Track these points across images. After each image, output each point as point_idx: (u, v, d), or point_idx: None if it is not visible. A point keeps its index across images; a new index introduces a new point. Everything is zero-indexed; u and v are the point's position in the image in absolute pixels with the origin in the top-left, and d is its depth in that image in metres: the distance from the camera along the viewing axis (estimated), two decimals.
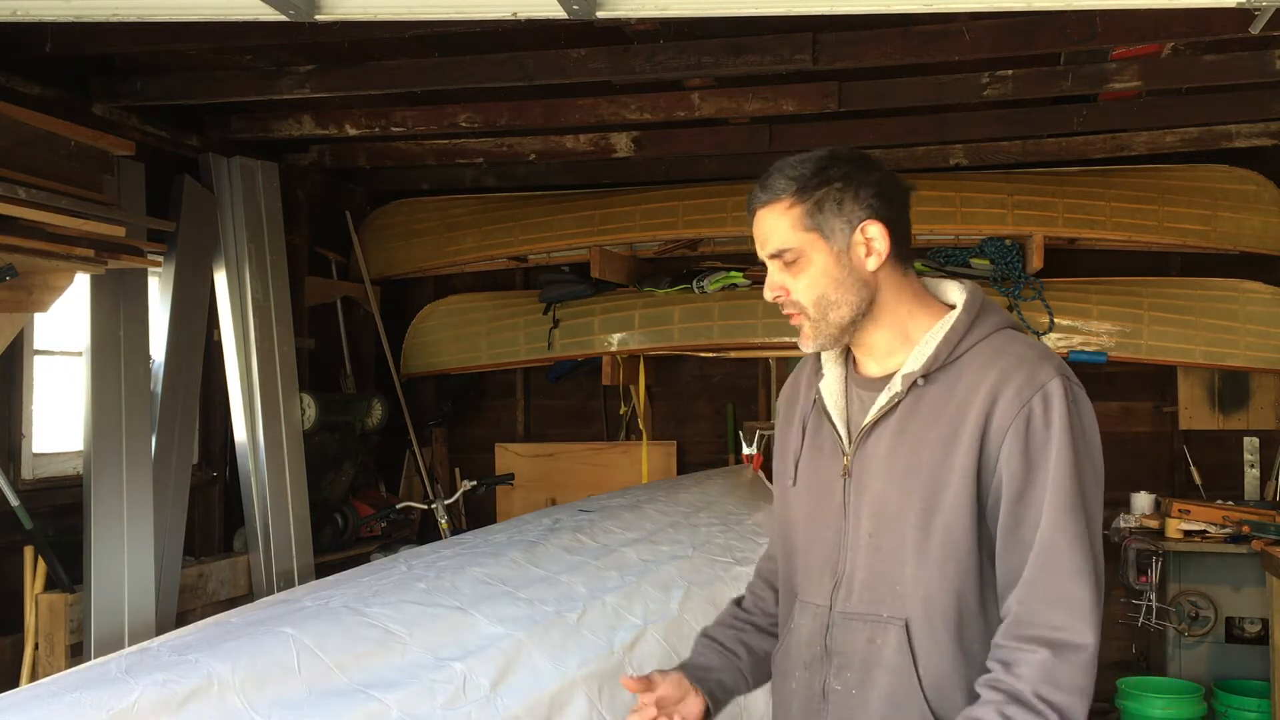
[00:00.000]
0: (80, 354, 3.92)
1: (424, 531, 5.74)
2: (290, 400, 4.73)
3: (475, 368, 6.01)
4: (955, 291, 1.79)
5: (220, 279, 4.54)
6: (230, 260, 4.56)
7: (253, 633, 1.99)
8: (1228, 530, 4.85)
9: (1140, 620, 4.93)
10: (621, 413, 6.12)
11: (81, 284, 3.79)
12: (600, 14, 2.34)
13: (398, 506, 5.06)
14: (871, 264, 1.72)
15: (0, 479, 3.58)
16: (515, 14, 2.34)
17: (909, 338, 1.76)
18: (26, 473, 3.89)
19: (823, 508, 1.81)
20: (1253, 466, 5.42)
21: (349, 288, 5.77)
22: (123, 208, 3.86)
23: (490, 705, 2.03)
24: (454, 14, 2.45)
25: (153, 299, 4.19)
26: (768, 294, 1.79)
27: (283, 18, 2.33)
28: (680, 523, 3.43)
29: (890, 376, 1.75)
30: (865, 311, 1.74)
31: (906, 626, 1.68)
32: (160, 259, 4.28)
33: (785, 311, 1.79)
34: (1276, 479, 5.35)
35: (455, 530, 4.65)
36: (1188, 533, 4.91)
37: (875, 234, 1.71)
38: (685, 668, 1.92)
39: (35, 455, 3.95)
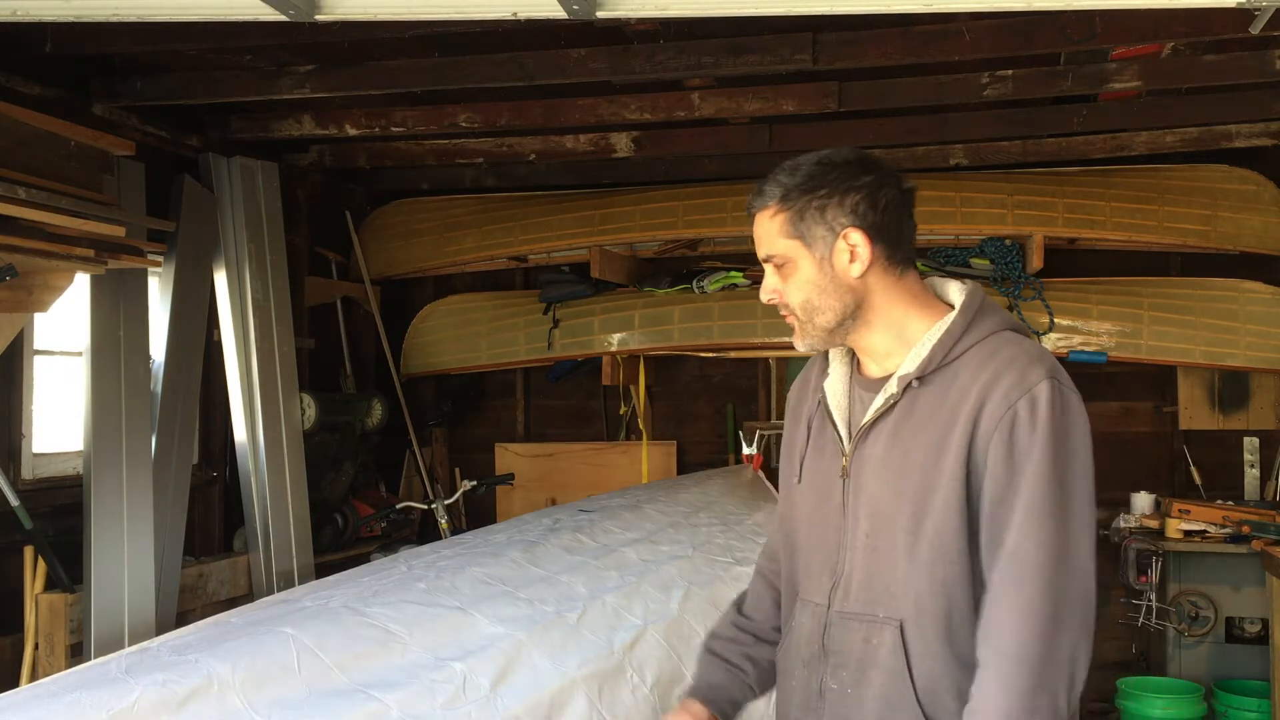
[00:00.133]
0: (80, 354, 3.92)
1: (424, 531, 5.74)
2: (290, 400, 4.73)
3: (475, 368, 6.01)
4: (956, 292, 1.79)
5: (220, 279, 4.54)
6: (230, 260, 4.56)
7: (253, 633, 1.99)
8: (1228, 530, 4.85)
9: (1140, 620, 4.93)
10: (621, 413, 6.12)
11: (81, 284, 3.79)
12: (600, 14, 2.34)
13: (398, 506, 5.06)
14: (855, 270, 1.74)
15: (0, 479, 3.58)
16: (515, 14, 2.34)
17: (907, 339, 1.76)
18: (26, 473, 3.89)
19: (823, 507, 1.83)
20: (1253, 466, 5.42)
21: (349, 288, 5.77)
22: (123, 208, 3.86)
23: (490, 705, 2.03)
24: (454, 14, 2.45)
25: (153, 299, 4.19)
26: (763, 295, 1.83)
27: (283, 18, 2.33)
28: (680, 523, 3.43)
29: (888, 378, 1.76)
30: (853, 315, 1.76)
31: (901, 628, 1.68)
32: (160, 259, 4.28)
33: (780, 312, 1.83)
34: (1276, 479, 5.35)
35: (455, 530, 4.65)
36: (1188, 533, 4.91)
37: (857, 241, 1.73)
38: (696, 691, 1.96)
39: (35, 455, 3.95)
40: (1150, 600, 4.88)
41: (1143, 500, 5.22)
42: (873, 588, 1.72)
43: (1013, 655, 1.58)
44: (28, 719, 1.64)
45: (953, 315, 1.74)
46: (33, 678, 3.57)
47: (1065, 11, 3.38)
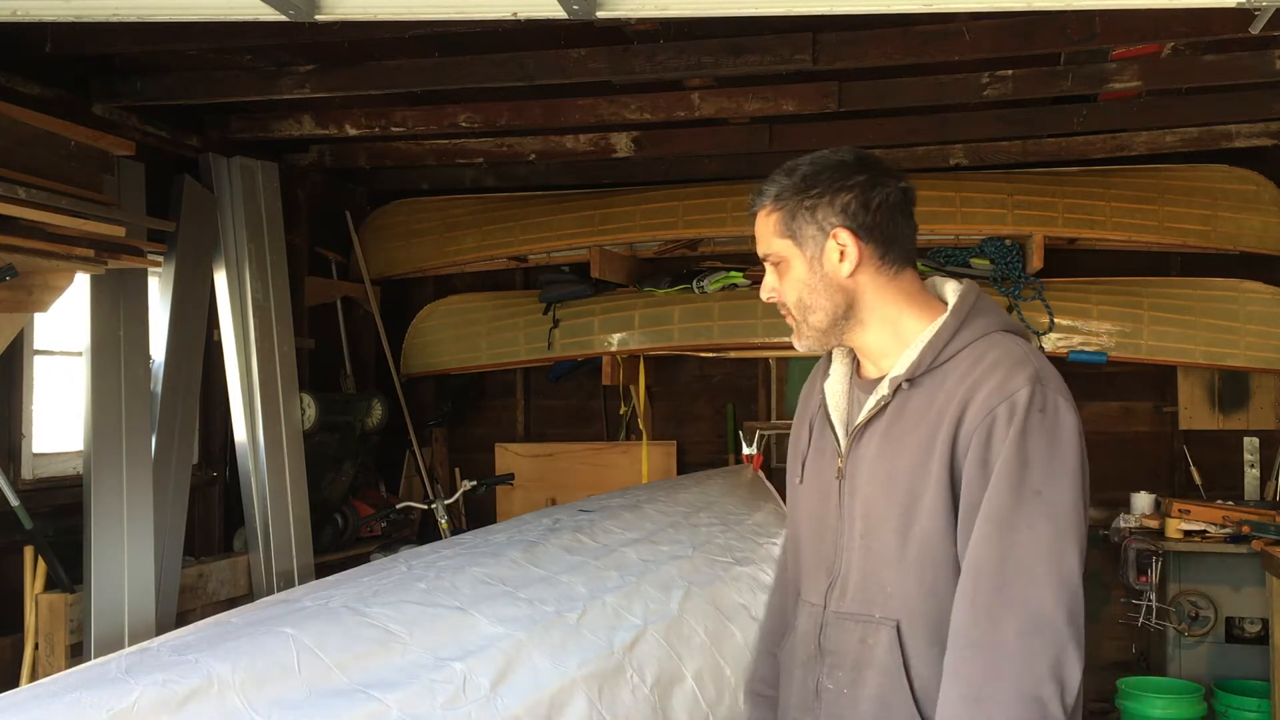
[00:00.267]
0: (80, 354, 3.92)
1: (424, 531, 5.74)
2: (290, 400, 4.73)
3: (475, 368, 6.01)
4: (951, 292, 1.79)
5: (220, 279, 4.54)
6: (230, 260, 4.56)
7: (253, 633, 1.99)
8: (1228, 530, 4.85)
9: (1140, 620, 4.93)
10: (621, 413, 6.12)
11: (81, 284, 3.79)
12: (600, 14, 2.34)
13: (398, 506, 5.06)
14: (845, 270, 1.74)
15: (0, 479, 3.58)
16: (515, 14, 2.34)
17: (902, 339, 1.76)
18: (26, 473, 3.89)
19: (822, 508, 1.83)
20: (1253, 466, 5.42)
21: (349, 288, 5.77)
22: (123, 208, 3.86)
23: (490, 705, 2.03)
24: (454, 14, 2.45)
25: (153, 299, 4.19)
26: (762, 294, 1.85)
27: (283, 18, 2.33)
28: (680, 523, 3.43)
29: (883, 379, 1.76)
30: (846, 315, 1.77)
31: (898, 628, 1.68)
32: (160, 259, 4.28)
33: (780, 311, 1.84)
34: (1276, 479, 5.35)
35: (455, 530, 4.65)
36: (1188, 533, 4.91)
37: (846, 241, 1.73)
38: None
39: (35, 455, 3.95)
40: (1150, 600, 4.88)
41: (1143, 500, 5.22)
42: (868, 588, 1.73)
43: (959, 663, 1.58)
44: (28, 719, 1.64)
45: (943, 316, 1.74)
46: (33, 678, 3.57)
47: (1065, 11, 3.38)
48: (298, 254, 5.18)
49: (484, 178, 5.64)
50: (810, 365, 6.28)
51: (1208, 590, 4.93)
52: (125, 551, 3.83)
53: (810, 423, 1.91)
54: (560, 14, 2.33)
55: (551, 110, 4.47)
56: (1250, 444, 5.43)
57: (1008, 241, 5.17)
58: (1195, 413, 5.47)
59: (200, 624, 2.16)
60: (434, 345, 6.01)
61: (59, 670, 2.93)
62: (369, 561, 3.42)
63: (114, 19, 2.42)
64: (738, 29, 3.68)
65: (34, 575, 3.67)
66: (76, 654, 3.66)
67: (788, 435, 5.45)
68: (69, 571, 3.72)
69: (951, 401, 1.66)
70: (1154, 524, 5.09)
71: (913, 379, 1.71)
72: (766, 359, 5.92)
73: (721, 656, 2.71)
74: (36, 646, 3.65)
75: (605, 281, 5.54)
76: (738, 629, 2.86)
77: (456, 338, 5.97)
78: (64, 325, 4.04)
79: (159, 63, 4.08)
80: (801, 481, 1.90)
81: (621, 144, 4.88)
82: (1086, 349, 5.15)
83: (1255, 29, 2.57)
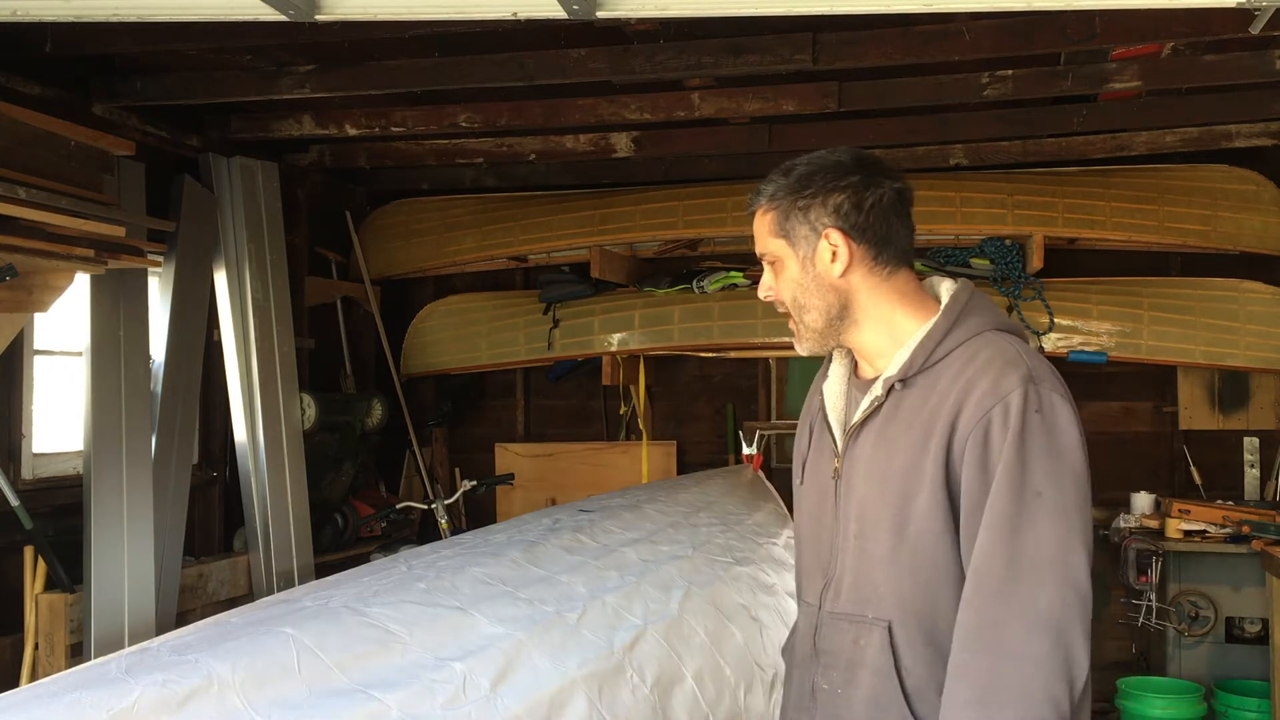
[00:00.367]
0: (80, 354, 3.92)
1: (424, 531, 5.74)
2: (290, 400, 4.73)
3: (475, 368, 6.01)
4: (945, 292, 1.79)
5: (220, 279, 4.54)
6: (230, 260, 4.56)
7: (253, 633, 1.99)
8: (1228, 530, 4.85)
9: (1140, 620, 4.93)
10: (621, 413, 6.12)
11: (81, 284, 3.79)
12: (600, 14, 2.34)
13: (398, 506, 5.06)
14: (836, 270, 1.75)
15: (0, 479, 3.58)
16: (515, 14, 2.34)
17: (897, 339, 1.76)
18: (26, 473, 3.89)
19: (819, 508, 1.84)
20: (1253, 466, 5.42)
21: (349, 288, 5.77)
22: (123, 208, 3.86)
23: (490, 705, 2.03)
24: (454, 14, 2.45)
25: (153, 299, 4.19)
26: (760, 292, 1.86)
27: (283, 18, 2.33)
28: (680, 523, 3.42)
29: (878, 379, 1.76)
30: (840, 315, 1.78)
31: (890, 629, 1.68)
32: (160, 259, 4.28)
33: (779, 311, 1.85)
34: (1276, 479, 5.35)
35: (455, 530, 4.65)
36: (1188, 533, 4.91)
37: (837, 241, 1.74)
38: None
39: (35, 455, 3.95)
40: (1150, 600, 4.88)
41: (1143, 500, 5.22)
42: (861, 588, 1.73)
43: (966, 667, 1.58)
44: (28, 719, 1.64)
45: (936, 316, 1.74)
46: (33, 678, 3.57)
47: (1065, 11, 3.38)
48: (298, 254, 5.18)
49: (484, 178, 5.64)
50: (810, 365, 6.27)
51: (1208, 590, 4.93)
52: (125, 551, 3.83)
53: (810, 424, 1.92)
54: (560, 14, 2.33)
55: (551, 110, 4.47)
56: (1250, 444, 5.43)
57: (1008, 241, 5.17)
58: (1195, 413, 5.47)
59: (200, 624, 2.16)
60: (434, 345, 6.01)
61: (59, 670, 2.93)
62: (369, 561, 3.42)
63: (114, 19, 2.42)
64: (738, 29, 3.69)
65: (34, 575, 3.67)
66: (76, 654, 3.67)
67: (788, 435, 5.47)
68: (69, 571, 3.72)
69: (945, 402, 1.66)
70: (1154, 524, 5.09)
71: (906, 379, 1.72)
72: (766, 359, 5.92)
73: (721, 656, 2.71)
74: (36, 646, 3.65)
75: (605, 281, 5.54)
76: (738, 629, 2.86)
77: (456, 338, 5.97)
78: (64, 325, 4.04)
79: (159, 63, 4.08)
80: (802, 482, 1.91)
81: (621, 144, 4.88)
82: (1086, 349, 5.15)
83: (1255, 29, 2.57)
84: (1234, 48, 3.84)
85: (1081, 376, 5.25)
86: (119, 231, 3.69)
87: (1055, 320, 5.15)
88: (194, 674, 1.79)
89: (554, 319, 5.69)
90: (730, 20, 3.59)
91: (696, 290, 5.42)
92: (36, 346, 3.97)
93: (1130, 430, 5.61)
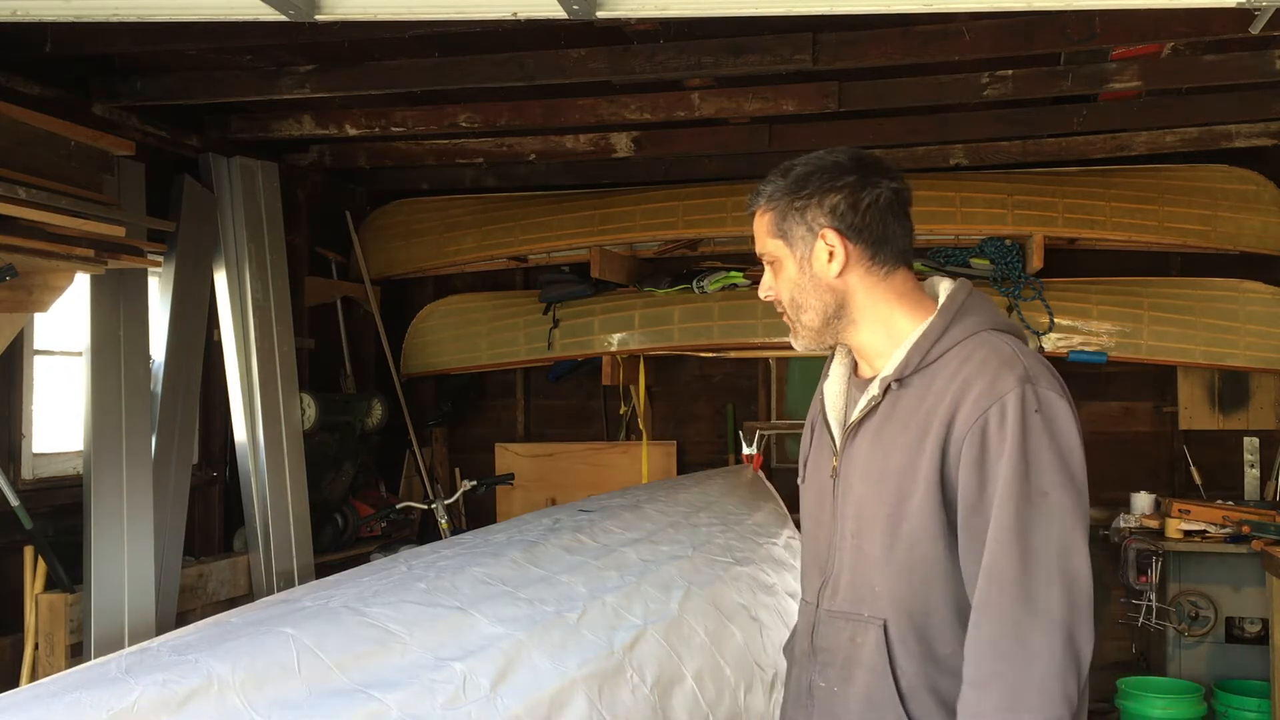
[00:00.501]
0: (80, 354, 3.92)
1: (424, 531, 5.74)
2: (290, 400, 4.73)
3: (475, 368, 6.01)
4: (943, 291, 1.80)
5: (220, 279, 4.54)
6: (230, 260, 4.56)
7: (253, 633, 1.99)
8: (1228, 530, 4.85)
9: (1140, 620, 4.93)
10: (621, 413, 6.12)
11: (81, 284, 3.79)
12: (600, 14, 2.34)
13: (398, 506, 5.06)
14: (833, 270, 1.76)
15: (0, 479, 3.58)
16: (515, 14, 2.34)
17: (895, 339, 1.77)
18: (26, 473, 3.89)
19: (818, 507, 1.86)
20: (1253, 466, 5.42)
21: (349, 288, 5.77)
22: (123, 208, 3.86)
23: (490, 705, 2.03)
24: (454, 14, 2.45)
25: (153, 299, 4.19)
26: (760, 292, 1.88)
27: (283, 18, 2.33)
28: (680, 523, 3.43)
29: (876, 378, 1.77)
30: (838, 315, 1.79)
31: (885, 627, 1.69)
32: (160, 259, 4.28)
33: (777, 310, 1.86)
34: (1276, 479, 5.35)
35: (455, 530, 4.65)
36: (1188, 533, 4.91)
37: (834, 242, 1.75)
38: None
39: (35, 455, 3.95)
40: (1150, 600, 4.88)
41: (1143, 500, 5.22)
42: (858, 587, 1.74)
43: (991, 675, 1.58)
44: (28, 719, 1.64)
45: (932, 316, 1.75)
46: (33, 678, 3.57)
47: (1065, 11, 3.38)
48: (298, 254, 5.18)
49: (484, 178, 5.64)
50: (810, 365, 6.27)
51: (1208, 590, 4.93)
52: (125, 551, 3.83)
53: (812, 422, 1.93)
54: (560, 14, 2.33)
55: (551, 110, 4.47)
56: (1250, 444, 5.43)
57: (1008, 241, 5.17)
58: (1195, 413, 5.47)
59: (200, 624, 2.16)
60: (434, 345, 6.01)
61: (59, 670, 2.93)
62: (369, 561, 3.42)
63: (114, 19, 2.42)
64: (738, 29, 3.68)
65: (34, 575, 3.67)
66: (76, 654, 3.67)
67: (788, 435, 5.48)
68: (69, 571, 3.72)
69: (941, 402, 1.66)
70: (1154, 524, 5.09)
71: (902, 379, 1.72)
72: (766, 359, 5.92)
73: (721, 656, 2.71)
74: (36, 646, 3.65)
75: (605, 281, 5.54)
76: (738, 629, 2.86)
77: (456, 338, 5.97)
78: (64, 325, 4.04)
79: (159, 63, 4.08)
80: (803, 481, 1.92)
81: (621, 144, 4.88)
82: (1086, 349, 5.15)
83: (1255, 29, 2.57)
84: (1234, 48, 3.84)
85: (1081, 376, 5.26)
86: (119, 231, 3.69)
87: (1055, 320, 5.15)
88: (194, 674, 1.79)
89: (554, 319, 5.69)
90: (730, 20, 3.59)
91: (696, 290, 5.42)
92: (36, 346, 3.97)
93: (1130, 430, 5.61)
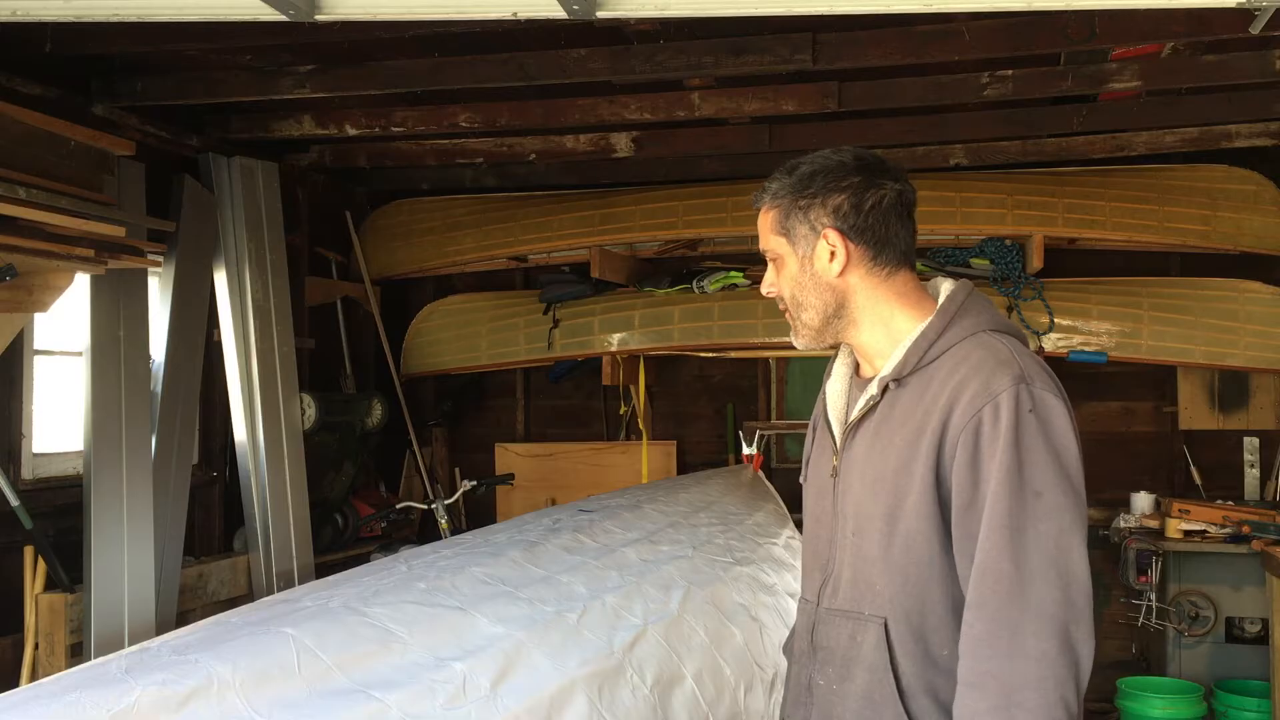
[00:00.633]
0: (80, 354, 3.92)
1: (424, 531, 5.74)
2: (290, 400, 4.73)
3: (475, 368, 6.01)
4: (944, 292, 1.80)
5: (220, 279, 4.54)
6: (230, 260, 4.56)
7: (253, 633, 1.99)
8: (1228, 530, 4.85)
9: (1140, 620, 4.93)
10: (621, 413, 6.12)
11: (81, 284, 3.79)
12: (600, 14, 2.34)
13: (398, 506, 5.06)
14: (834, 269, 1.77)
15: (0, 479, 3.58)
16: (515, 14, 2.34)
17: (895, 339, 1.78)
18: (26, 473, 3.89)
19: (819, 506, 1.86)
20: (1253, 466, 5.42)
21: (349, 288, 5.78)
22: (123, 208, 3.87)
23: (490, 705, 2.03)
24: (454, 14, 2.45)
25: (153, 299, 4.19)
26: (763, 288, 1.89)
27: (283, 18, 2.33)
28: (680, 523, 3.43)
29: (875, 378, 1.78)
30: (838, 314, 1.80)
31: (885, 625, 1.69)
32: (160, 259, 4.28)
33: (779, 308, 1.87)
34: (1276, 479, 5.35)
35: (455, 530, 4.65)
36: (1188, 533, 4.91)
37: (835, 242, 1.76)
38: None
39: (35, 455, 3.95)
40: (1150, 600, 4.88)
41: (1143, 500, 5.22)
42: (858, 585, 1.74)
43: (984, 674, 1.57)
44: (28, 719, 1.64)
45: (930, 317, 1.75)
46: (33, 678, 3.58)
47: (1065, 11, 3.38)
48: (298, 254, 5.18)
49: (484, 178, 5.64)
50: (810, 366, 6.26)
51: (1208, 590, 4.93)
52: (125, 551, 3.83)
53: (814, 422, 1.94)
54: (560, 14, 2.33)
55: (551, 110, 4.47)
56: (1250, 444, 5.43)
57: (1008, 241, 5.17)
58: (1195, 413, 5.47)
59: (200, 624, 2.16)
60: (434, 345, 6.01)
61: (59, 670, 2.93)
62: (369, 561, 3.42)
63: (114, 19, 2.42)
64: (738, 29, 3.68)
65: (34, 575, 3.67)
66: (76, 654, 3.67)
67: (788, 435, 5.47)
68: (69, 571, 3.72)
69: (937, 402, 1.66)
70: (1154, 524, 5.09)
71: (900, 378, 1.73)
72: (766, 359, 5.92)
73: (721, 656, 2.71)
74: (36, 646, 3.65)
75: (605, 281, 5.54)
76: (738, 629, 2.86)
77: (456, 338, 5.97)
78: (64, 325, 4.04)
79: (159, 63, 4.08)
80: (805, 480, 1.93)
81: (621, 144, 4.88)
82: (1086, 349, 5.15)
83: (1255, 29, 2.57)
84: (1234, 48, 3.84)
85: (1081, 376, 5.26)
86: (119, 231, 3.69)
87: (1055, 320, 5.15)
88: (194, 674, 1.79)
89: (554, 319, 5.69)
90: (730, 20, 3.59)
91: (696, 290, 5.42)
92: (36, 346, 3.97)
93: (1130, 430, 5.61)
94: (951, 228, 5.22)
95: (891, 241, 1.77)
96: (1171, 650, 4.97)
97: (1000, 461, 1.59)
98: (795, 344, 1.86)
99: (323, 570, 4.47)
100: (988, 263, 5.16)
